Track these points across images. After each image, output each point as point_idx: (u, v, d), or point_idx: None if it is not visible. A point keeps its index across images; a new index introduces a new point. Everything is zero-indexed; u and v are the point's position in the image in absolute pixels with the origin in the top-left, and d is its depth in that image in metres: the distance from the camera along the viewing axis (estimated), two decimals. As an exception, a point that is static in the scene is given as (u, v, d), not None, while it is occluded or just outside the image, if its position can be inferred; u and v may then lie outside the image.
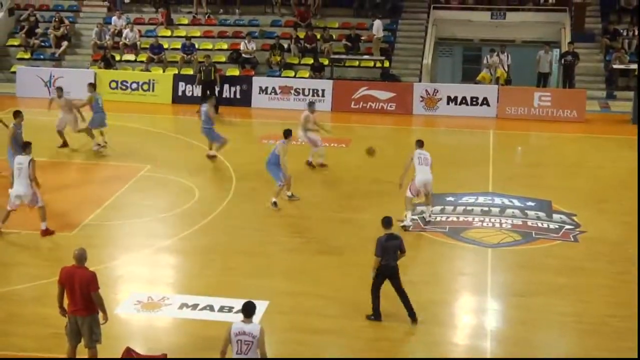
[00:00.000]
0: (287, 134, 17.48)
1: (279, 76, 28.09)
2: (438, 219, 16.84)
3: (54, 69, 28.50)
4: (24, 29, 30.68)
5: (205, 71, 26.06)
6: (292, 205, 17.38)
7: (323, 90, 26.82)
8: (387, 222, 12.42)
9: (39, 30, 30.76)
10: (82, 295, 10.33)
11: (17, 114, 17.83)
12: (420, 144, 16.69)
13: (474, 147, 23.09)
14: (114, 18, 30.80)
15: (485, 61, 28.39)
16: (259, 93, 26.72)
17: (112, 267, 14.15)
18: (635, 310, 12.69)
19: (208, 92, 25.85)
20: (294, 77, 28.21)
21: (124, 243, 15.60)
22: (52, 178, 18.63)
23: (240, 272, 14.19)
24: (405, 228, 15.79)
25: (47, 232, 15.38)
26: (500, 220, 16.78)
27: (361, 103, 26.68)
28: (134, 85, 27.68)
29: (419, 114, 26.44)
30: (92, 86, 21.88)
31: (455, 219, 16.89)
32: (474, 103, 26.40)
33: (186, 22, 31.44)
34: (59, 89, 21.48)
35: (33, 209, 15.31)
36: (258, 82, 27.06)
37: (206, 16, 31.41)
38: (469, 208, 17.43)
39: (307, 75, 28.34)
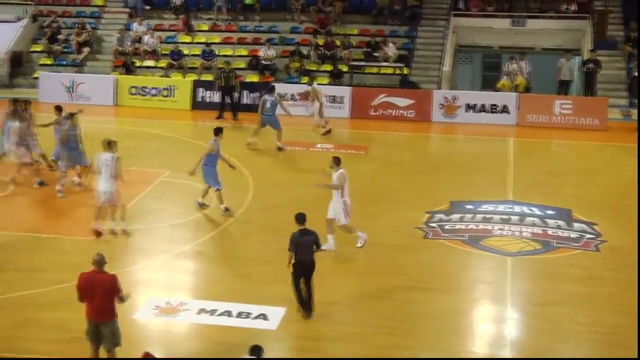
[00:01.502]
0: (218, 131, 17.21)
1: (298, 82, 28.14)
2: (457, 226, 16.76)
3: (76, 75, 28.72)
4: (47, 35, 30.94)
5: (225, 77, 26.13)
6: (307, 212, 17.28)
7: (342, 97, 26.81)
8: (300, 218, 12.58)
9: (61, 37, 31.01)
10: (104, 301, 10.35)
11: (71, 115, 18.03)
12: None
13: (494, 154, 22.98)
14: (135, 24, 30.99)
15: (505, 68, 28.28)
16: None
17: (131, 271, 14.18)
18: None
19: (226, 99, 25.96)
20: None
21: (143, 248, 15.63)
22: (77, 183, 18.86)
23: (257, 279, 14.18)
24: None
25: (97, 233, 15.65)
26: (520, 229, 16.67)
27: (380, 110, 26.64)
28: (154, 91, 27.81)
29: (438, 121, 26.38)
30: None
31: (474, 227, 16.79)
32: (494, 110, 26.31)
33: (206, 28, 31.56)
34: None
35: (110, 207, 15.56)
36: (277, 88, 27.04)
37: (226, 22, 31.52)
38: (488, 216, 17.33)
39: (326, 81, 28.34)
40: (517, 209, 17.78)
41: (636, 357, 11.49)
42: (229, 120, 25.17)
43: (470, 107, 26.36)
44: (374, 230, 16.40)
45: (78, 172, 18.48)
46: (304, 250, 12.32)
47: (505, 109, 26.22)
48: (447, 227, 16.72)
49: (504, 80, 27.80)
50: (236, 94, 26.25)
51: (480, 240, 16.06)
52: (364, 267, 14.73)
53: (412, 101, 26.64)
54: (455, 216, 17.28)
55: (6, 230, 16.18)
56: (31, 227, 16.55)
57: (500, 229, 16.64)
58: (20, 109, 19.01)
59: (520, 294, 13.89)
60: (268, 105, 22.33)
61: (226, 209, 16.99)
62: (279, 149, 22.21)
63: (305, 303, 12.52)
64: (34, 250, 15.25)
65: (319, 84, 25.61)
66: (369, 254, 15.24)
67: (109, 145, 15.63)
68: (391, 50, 28.88)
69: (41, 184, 18.60)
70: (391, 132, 25.18)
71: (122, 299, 10.52)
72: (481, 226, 16.82)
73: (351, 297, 13.48)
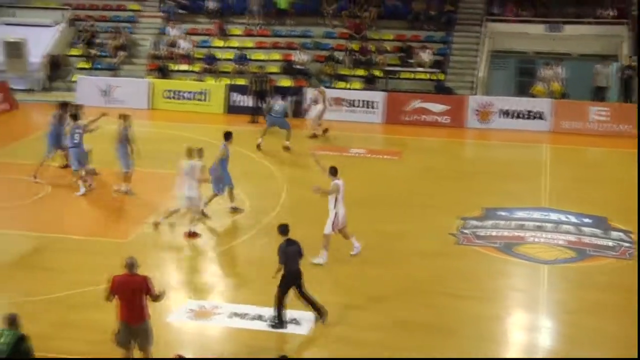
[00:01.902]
0: (228, 136, 17.28)
1: (332, 87, 28.16)
2: (491, 233, 16.64)
3: (112, 79, 29.05)
4: (84, 39, 31.33)
5: (258, 82, 26.29)
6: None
7: (376, 102, 26.79)
8: (283, 229, 12.55)
9: (97, 41, 31.39)
10: (138, 303, 10.47)
11: (126, 117, 18.29)
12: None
13: (528, 161, 22.79)
14: (170, 28, 31.26)
15: (540, 74, 28.06)
16: (311, 104, 26.73)
17: (165, 274, 14.27)
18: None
19: (259, 104, 26.09)
20: (347, 88, 28.24)
21: (176, 250, 15.73)
22: (109, 185, 19.04)
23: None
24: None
25: (192, 235, 15.95)
26: (555, 237, 16.50)
27: (414, 115, 26.58)
28: (188, 95, 28.03)
29: (472, 127, 26.25)
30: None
31: (508, 233, 16.66)
32: (528, 116, 26.13)
33: (240, 32, 31.71)
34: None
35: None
36: (310, 93, 27.13)
37: (260, 27, 31.65)
38: (522, 223, 17.19)
39: (360, 86, 28.33)
40: (552, 216, 17.61)
41: (636, 357, 11.34)
42: (262, 125, 25.24)
43: (504, 113, 26.21)
44: (407, 236, 16.38)
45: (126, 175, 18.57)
46: (291, 260, 12.34)
47: (540, 115, 26.03)
48: (480, 233, 16.61)
49: (539, 86, 27.58)
50: (269, 98, 26.34)
51: (514, 248, 15.93)
52: (396, 272, 14.66)
53: (447, 107, 26.55)
54: (489, 222, 17.16)
55: (41, 232, 16.42)
56: (65, 229, 16.75)
57: (535, 236, 16.49)
58: (72, 112, 19.26)
59: (554, 302, 13.76)
60: (277, 107, 23.05)
61: (202, 212, 16.79)
62: (286, 148, 22.49)
63: (316, 309, 12.51)
64: (69, 252, 15.42)
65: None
66: (398, 259, 15.19)
67: (194, 152, 15.96)
68: (427, 55, 28.78)
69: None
70: (425, 137, 25.09)
71: (157, 298, 10.60)
72: (515, 233, 16.68)
73: (382, 302, 13.43)
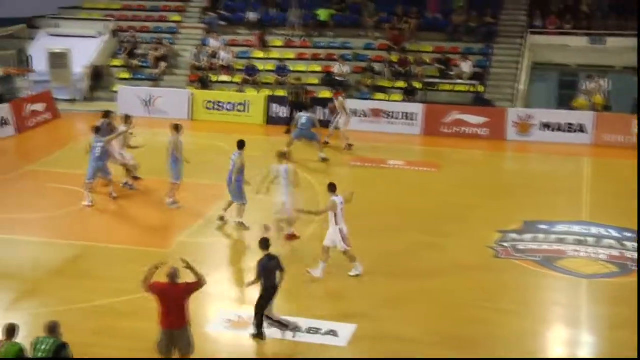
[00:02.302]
0: (241, 145, 17.42)
1: (370, 99, 28.18)
2: (530, 247, 16.50)
3: (153, 89, 29.37)
4: (126, 50, 31.76)
5: (295, 93, 26.46)
6: (378, 229, 17.32)
7: (414, 114, 26.74)
8: (264, 243, 12.43)
9: (139, 51, 31.79)
10: (178, 308, 10.67)
11: (177, 128, 18.50)
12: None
13: (569, 174, 22.56)
14: (211, 40, 31.55)
15: (582, 87, 27.77)
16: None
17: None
18: None
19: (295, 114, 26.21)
20: (386, 100, 28.24)
21: (215, 261, 15.84)
22: (153, 195, 19.28)
23: (327, 294, 14.22)
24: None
25: (292, 237, 16.36)
26: (596, 251, 16.31)
27: (453, 127, 26.47)
28: (229, 106, 28.23)
29: (512, 139, 26.06)
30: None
31: (548, 247, 16.51)
32: (570, 130, 25.86)
33: (280, 44, 31.89)
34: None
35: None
36: (350, 104, 27.13)
37: (300, 39, 31.80)
38: (563, 237, 17.02)
39: (399, 98, 28.31)
40: (593, 230, 17.41)
41: (636, 357, 11.15)
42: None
43: (545, 126, 25.99)
44: (446, 248, 16.30)
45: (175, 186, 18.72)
46: (271, 276, 12.27)
47: (581, 128, 25.75)
48: (519, 247, 16.48)
49: (581, 99, 27.30)
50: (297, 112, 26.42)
51: (554, 262, 15.77)
52: (434, 285, 14.60)
53: (486, 119, 26.40)
54: (528, 236, 17.02)
55: (83, 240, 16.65)
56: (107, 237, 16.99)
57: (575, 250, 16.32)
58: (95, 125, 19.54)
59: (595, 317, 13.59)
60: (303, 120, 23.18)
61: (241, 223, 17.13)
62: (324, 159, 22.65)
63: (260, 329, 12.42)
64: (110, 261, 15.62)
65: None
66: (437, 272, 15.12)
67: (283, 156, 16.40)
68: (467, 66, 28.67)
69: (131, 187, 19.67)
70: (464, 149, 24.97)
71: (199, 281, 10.79)
72: (555, 247, 16.53)
73: (422, 315, 13.39)
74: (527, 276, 15.19)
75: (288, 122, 26.48)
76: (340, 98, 25.05)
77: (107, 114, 20.31)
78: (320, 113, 26.80)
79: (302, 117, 23.36)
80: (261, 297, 12.35)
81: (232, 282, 14.98)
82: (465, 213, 18.48)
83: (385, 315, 13.32)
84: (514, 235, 16.96)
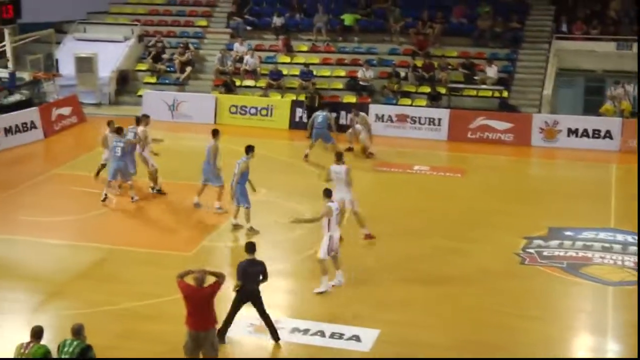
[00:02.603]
0: (249, 149, 17.48)
1: (395, 104, 28.14)
2: (556, 253, 16.38)
3: (178, 94, 29.52)
4: (152, 54, 31.97)
5: (310, 97, 26.59)
6: (402, 233, 17.28)
7: (439, 120, 26.66)
8: (250, 247, 12.37)
9: (165, 56, 31.98)
10: (203, 310, 10.83)
11: (216, 133, 18.72)
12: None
13: (595, 181, 22.37)
14: (236, 44, 31.67)
15: (608, 93, 27.55)
16: (376, 120, 26.72)
17: (225, 288, 14.36)
18: None
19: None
20: (411, 105, 28.19)
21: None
22: (177, 199, 19.39)
23: (351, 299, 14.18)
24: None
25: (369, 237, 16.60)
26: (622, 258, 16.15)
27: (478, 133, 26.36)
28: (253, 110, 28.31)
29: (537, 145, 25.87)
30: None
31: (574, 254, 16.37)
32: (596, 136, 25.64)
33: (305, 49, 31.92)
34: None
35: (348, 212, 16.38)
36: (375, 109, 27.15)
37: (325, 44, 31.83)
38: (588, 243, 16.87)
39: (423, 103, 28.25)
40: (619, 237, 17.25)
41: (636, 357, 11.00)
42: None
43: (571, 132, 25.78)
44: (470, 254, 16.23)
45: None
46: (249, 279, 12.20)
47: (608, 134, 25.52)
48: (545, 253, 16.36)
49: (607, 105, 27.08)
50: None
51: (580, 268, 15.64)
52: (459, 291, 14.53)
53: (511, 124, 26.25)
54: (554, 242, 16.89)
55: (107, 244, 16.76)
56: (132, 241, 17.09)
57: (601, 257, 16.17)
58: (113, 126, 19.75)
59: (621, 325, 13.45)
60: (319, 119, 23.51)
61: (251, 228, 17.13)
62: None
63: (271, 331, 12.45)
64: (134, 264, 15.73)
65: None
66: (462, 277, 15.05)
67: (339, 157, 16.73)
68: (492, 71, 28.53)
69: (159, 191, 19.78)
70: (489, 155, 24.84)
71: (219, 279, 11.00)
72: (581, 254, 16.39)
73: (446, 320, 13.33)
74: (552, 283, 15.08)
75: (307, 126, 26.51)
76: (362, 114, 24.95)
77: (139, 120, 20.30)
78: (347, 119, 26.67)
79: (319, 116, 23.64)
80: (235, 298, 12.30)
81: (256, 286, 14.97)
82: (490, 219, 18.39)
83: (409, 320, 13.28)
84: (540, 242, 16.85)
